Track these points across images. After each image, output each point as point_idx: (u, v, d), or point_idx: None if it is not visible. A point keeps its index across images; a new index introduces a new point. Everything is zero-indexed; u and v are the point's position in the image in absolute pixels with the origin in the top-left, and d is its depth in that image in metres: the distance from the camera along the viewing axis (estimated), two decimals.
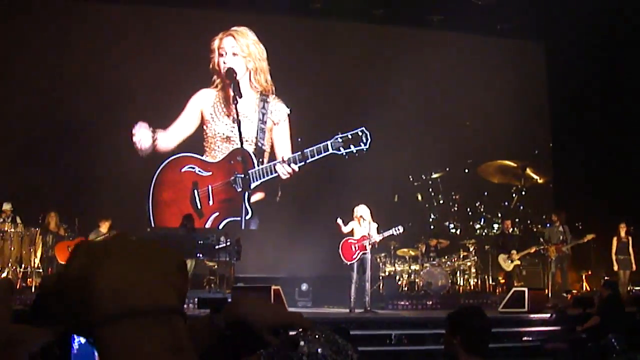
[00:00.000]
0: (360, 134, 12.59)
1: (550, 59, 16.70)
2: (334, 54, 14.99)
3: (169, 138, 14.53)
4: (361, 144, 12.57)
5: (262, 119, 14.94)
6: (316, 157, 13.13)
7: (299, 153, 13.44)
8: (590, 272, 14.68)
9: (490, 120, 15.47)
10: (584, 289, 14.38)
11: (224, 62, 14.56)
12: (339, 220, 11.46)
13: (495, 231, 15.97)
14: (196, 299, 10.23)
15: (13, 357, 0.84)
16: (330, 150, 12.87)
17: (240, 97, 13.19)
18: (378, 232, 11.54)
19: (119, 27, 14.07)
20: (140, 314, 0.69)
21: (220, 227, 14.11)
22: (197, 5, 14.59)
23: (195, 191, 14.33)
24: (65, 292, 0.74)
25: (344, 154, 12.76)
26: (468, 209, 16.40)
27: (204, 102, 14.82)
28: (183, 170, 14.48)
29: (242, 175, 13.27)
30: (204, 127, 14.78)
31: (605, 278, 12.42)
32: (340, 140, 12.72)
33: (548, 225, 14.69)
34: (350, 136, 12.65)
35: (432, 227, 15.85)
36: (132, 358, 0.67)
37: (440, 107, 15.47)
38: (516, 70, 15.87)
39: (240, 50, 14.78)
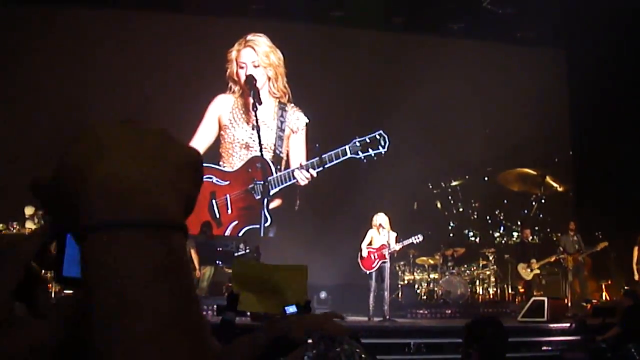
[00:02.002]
0: (378, 137, 12.57)
1: (570, 67, 16.61)
2: (353, 61, 14.99)
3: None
4: (379, 147, 12.55)
5: (280, 126, 14.94)
6: (334, 162, 13.10)
7: (317, 158, 13.42)
8: (610, 282, 14.55)
9: (510, 128, 15.36)
10: (604, 298, 14.26)
11: (245, 75, 14.53)
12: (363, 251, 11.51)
13: (514, 239, 15.90)
14: (215, 306, 10.25)
15: (8, 268, 0.78)
16: (349, 155, 12.84)
17: (260, 104, 13.22)
18: (397, 241, 11.52)
19: (129, 34, 14.17)
20: (136, 225, 0.61)
21: (239, 235, 14.11)
22: (213, 12, 14.62)
23: (213, 201, 14.31)
24: (60, 180, 0.66)
25: (362, 157, 12.72)
26: (487, 217, 16.34)
27: (221, 108, 14.75)
28: None
29: (262, 182, 13.28)
30: (222, 132, 14.72)
31: (625, 287, 12.31)
32: (358, 144, 12.69)
33: (571, 233, 14.52)
34: (368, 140, 12.63)
35: (451, 234, 15.81)
36: (117, 273, 0.59)
37: (459, 115, 15.38)
38: (536, 78, 15.76)
39: (261, 61, 14.73)
